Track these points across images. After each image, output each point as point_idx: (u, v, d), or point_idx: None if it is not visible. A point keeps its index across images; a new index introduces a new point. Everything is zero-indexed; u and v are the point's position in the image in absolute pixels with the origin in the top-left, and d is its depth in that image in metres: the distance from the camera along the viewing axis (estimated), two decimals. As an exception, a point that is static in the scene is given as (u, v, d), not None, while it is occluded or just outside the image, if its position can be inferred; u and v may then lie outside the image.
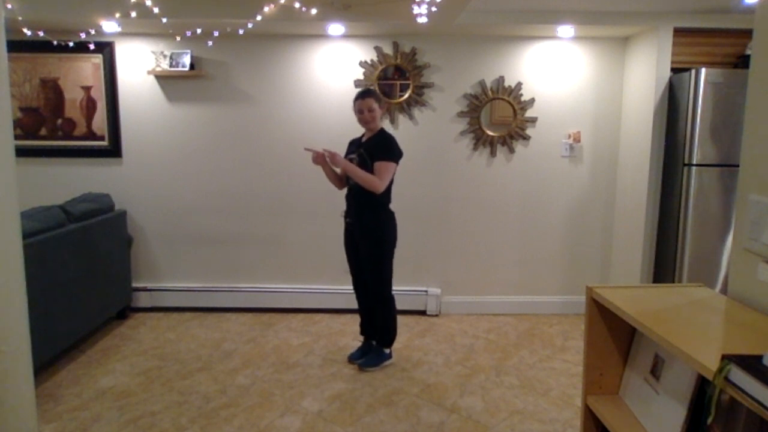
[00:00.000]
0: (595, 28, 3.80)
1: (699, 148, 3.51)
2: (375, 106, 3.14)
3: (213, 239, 4.29)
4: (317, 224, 4.25)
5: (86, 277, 3.53)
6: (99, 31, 3.88)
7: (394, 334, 3.39)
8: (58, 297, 3.22)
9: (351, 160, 3.19)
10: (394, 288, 3.31)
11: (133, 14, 3.30)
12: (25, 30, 3.65)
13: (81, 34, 3.80)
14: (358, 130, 3.33)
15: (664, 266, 3.83)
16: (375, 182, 3.07)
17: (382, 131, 3.23)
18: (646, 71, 3.83)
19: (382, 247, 3.21)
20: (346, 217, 3.31)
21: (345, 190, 3.32)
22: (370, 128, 3.21)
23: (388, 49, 4.08)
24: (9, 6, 3.20)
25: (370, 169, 3.11)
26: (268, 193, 4.25)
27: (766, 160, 1.46)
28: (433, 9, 3.17)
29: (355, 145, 3.28)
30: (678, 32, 3.67)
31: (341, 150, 3.28)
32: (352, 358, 3.40)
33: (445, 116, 4.17)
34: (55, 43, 3.90)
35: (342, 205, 3.33)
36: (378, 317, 3.34)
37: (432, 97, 4.15)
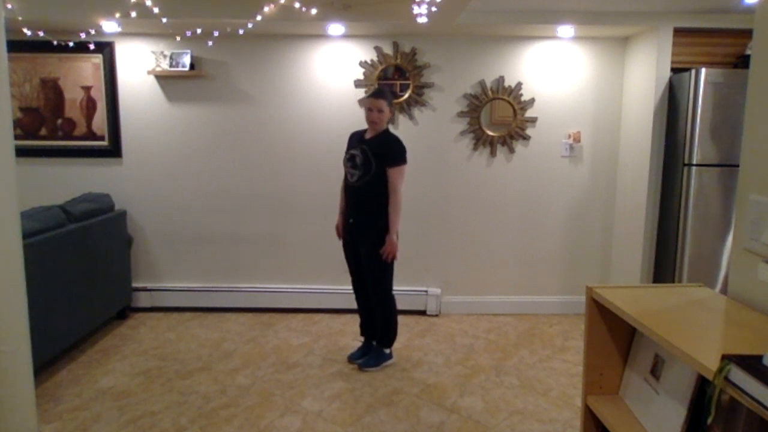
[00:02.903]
0: (595, 28, 3.79)
1: (699, 148, 3.51)
2: (386, 108, 3.15)
3: (213, 239, 4.29)
4: (317, 224, 4.25)
5: (86, 277, 3.53)
6: (99, 31, 3.88)
7: (395, 334, 3.38)
8: (58, 297, 3.22)
9: (353, 156, 3.19)
10: (394, 288, 3.31)
11: (133, 14, 3.30)
12: (25, 30, 3.65)
13: (81, 34, 3.80)
14: (358, 129, 3.33)
15: (664, 266, 3.83)
16: (398, 201, 3.14)
17: (387, 132, 3.22)
18: (646, 71, 3.83)
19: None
20: (347, 217, 3.31)
21: (346, 190, 3.33)
22: (375, 128, 3.21)
23: (388, 49, 4.08)
24: (9, 6, 3.20)
25: (374, 168, 3.12)
26: (268, 193, 4.25)
27: (766, 160, 1.46)
28: (433, 9, 3.17)
29: (356, 140, 3.27)
30: (678, 32, 3.67)
31: (339, 148, 3.26)
32: (352, 358, 3.40)
33: (445, 116, 4.17)
34: (55, 43, 3.90)
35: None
36: (378, 317, 3.33)
37: (432, 97, 4.14)
